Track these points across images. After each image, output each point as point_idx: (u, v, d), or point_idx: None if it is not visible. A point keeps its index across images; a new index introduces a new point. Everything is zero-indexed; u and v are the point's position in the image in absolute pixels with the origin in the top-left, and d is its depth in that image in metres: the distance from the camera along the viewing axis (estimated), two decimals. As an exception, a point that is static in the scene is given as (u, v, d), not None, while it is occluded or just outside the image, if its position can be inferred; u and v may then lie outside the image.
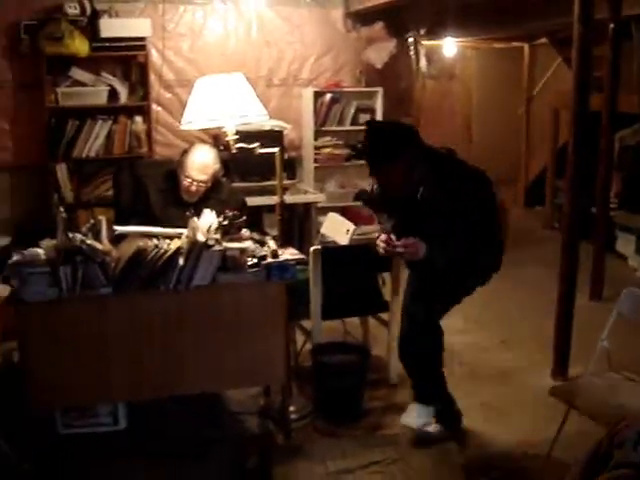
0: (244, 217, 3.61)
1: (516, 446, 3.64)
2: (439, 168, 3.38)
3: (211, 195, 4.05)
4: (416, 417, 3.70)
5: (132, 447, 3.58)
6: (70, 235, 3.33)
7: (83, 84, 6.14)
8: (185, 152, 4.03)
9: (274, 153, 3.86)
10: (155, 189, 4.07)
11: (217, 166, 4.00)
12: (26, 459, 3.27)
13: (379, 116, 6.98)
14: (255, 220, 4.27)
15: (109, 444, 3.68)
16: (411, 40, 7.07)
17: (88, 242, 3.27)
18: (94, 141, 6.14)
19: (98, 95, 6.14)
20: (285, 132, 6.26)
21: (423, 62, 7.29)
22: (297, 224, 6.52)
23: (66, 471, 3.46)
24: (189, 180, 3.94)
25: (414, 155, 3.34)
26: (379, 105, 6.98)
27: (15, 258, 3.39)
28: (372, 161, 3.42)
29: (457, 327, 5.25)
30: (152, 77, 6.38)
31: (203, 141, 5.84)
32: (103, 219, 3.45)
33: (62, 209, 3.53)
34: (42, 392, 3.42)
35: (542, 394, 3.55)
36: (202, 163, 3.94)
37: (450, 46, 7.77)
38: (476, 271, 3.56)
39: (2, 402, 3.76)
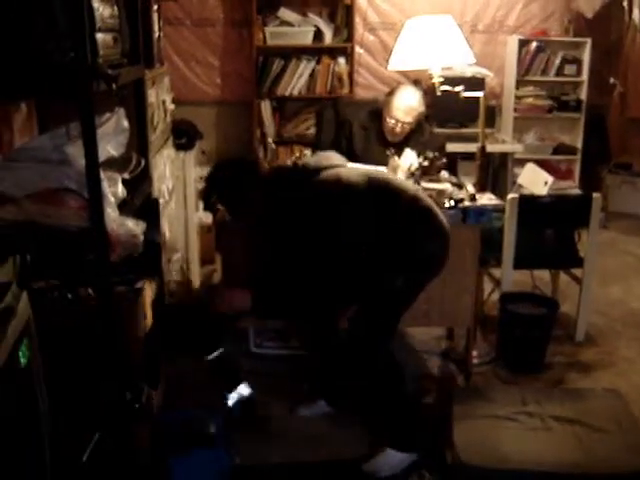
0: (444, 159, 3.63)
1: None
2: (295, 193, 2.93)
3: (412, 137, 4.08)
4: (383, 465, 3.13)
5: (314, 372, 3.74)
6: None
7: (290, 24, 6.30)
8: (391, 93, 4.04)
9: (477, 98, 3.84)
10: (358, 127, 4.14)
11: (422, 109, 3.99)
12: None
13: (585, 69, 6.71)
14: (451, 166, 4.26)
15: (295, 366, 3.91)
16: (626, -12, 6.70)
17: (294, 172, 3.40)
18: (298, 80, 6.33)
19: (304, 35, 6.29)
20: (487, 80, 6.14)
21: (636, 13, 6.87)
22: (492, 173, 6.44)
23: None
24: (394, 121, 3.97)
25: (265, 190, 2.95)
26: (586, 57, 6.69)
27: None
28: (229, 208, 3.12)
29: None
30: (357, 19, 6.44)
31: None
32: (308, 153, 3.58)
33: (271, 141, 3.71)
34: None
35: None
36: (408, 105, 3.95)
37: (667, -3, 7.29)
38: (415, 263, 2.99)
39: (202, 318, 4.04)
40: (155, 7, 3.45)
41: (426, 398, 3.61)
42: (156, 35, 3.47)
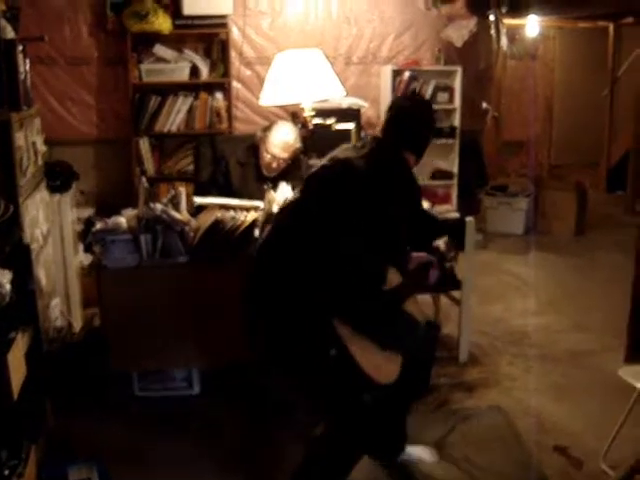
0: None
1: (583, 428, 3.59)
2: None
3: (290, 171, 4.12)
4: None
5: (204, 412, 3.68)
6: (151, 205, 3.46)
7: (166, 61, 6.27)
8: (268, 128, 4.08)
9: (350, 130, 3.91)
10: (235, 162, 4.16)
11: (298, 144, 4.05)
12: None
13: (457, 96, 6.94)
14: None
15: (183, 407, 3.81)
16: (492, 18, 6.93)
17: (168, 212, 3.39)
18: (175, 116, 6.31)
19: (180, 71, 6.28)
20: (363, 110, 6.28)
21: (504, 41, 7.15)
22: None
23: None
24: (270, 156, 4.00)
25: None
26: (458, 84, 6.92)
27: (98, 226, 3.53)
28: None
29: (530, 309, 5.22)
30: (232, 54, 6.50)
31: (282, 118, 5.92)
32: (183, 190, 3.57)
33: (144, 180, 3.67)
34: (121, 354, 3.59)
35: (613, 378, 3.47)
36: (284, 141, 3.99)
37: (532, 25, 7.64)
38: None
39: (84, 363, 3.93)
40: (20, 47, 3.38)
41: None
42: (22, 76, 3.39)
